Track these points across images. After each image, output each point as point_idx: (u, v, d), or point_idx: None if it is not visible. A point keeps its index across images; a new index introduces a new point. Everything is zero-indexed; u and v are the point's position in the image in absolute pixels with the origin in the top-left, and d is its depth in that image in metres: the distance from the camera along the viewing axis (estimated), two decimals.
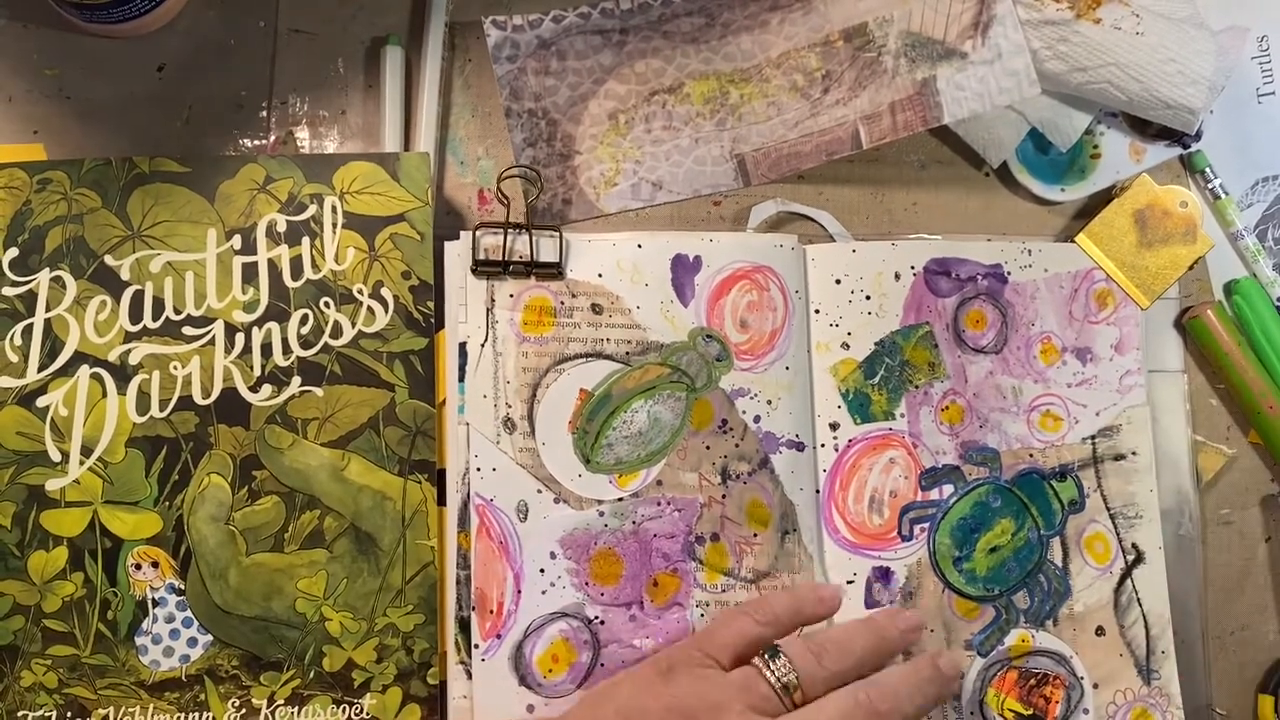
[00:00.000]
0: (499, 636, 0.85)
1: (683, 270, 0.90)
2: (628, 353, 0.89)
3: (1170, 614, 0.92)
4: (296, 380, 0.84)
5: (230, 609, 0.82)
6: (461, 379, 0.88)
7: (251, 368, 0.84)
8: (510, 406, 0.87)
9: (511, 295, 0.89)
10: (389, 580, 0.83)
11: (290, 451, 0.84)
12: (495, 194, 0.91)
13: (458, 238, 0.89)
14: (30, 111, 0.89)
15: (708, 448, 0.89)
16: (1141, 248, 0.95)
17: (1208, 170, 0.98)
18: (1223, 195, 0.98)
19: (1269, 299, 0.97)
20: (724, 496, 0.89)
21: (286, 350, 0.85)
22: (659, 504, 0.88)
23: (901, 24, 0.93)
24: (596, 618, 0.86)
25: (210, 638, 0.82)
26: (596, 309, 0.89)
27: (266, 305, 0.85)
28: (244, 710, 0.81)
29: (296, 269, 0.85)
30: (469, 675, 0.85)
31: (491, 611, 0.85)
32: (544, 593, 0.86)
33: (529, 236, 0.89)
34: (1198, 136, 0.97)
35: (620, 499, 0.88)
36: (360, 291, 0.85)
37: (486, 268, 0.88)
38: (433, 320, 0.86)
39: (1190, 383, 0.97)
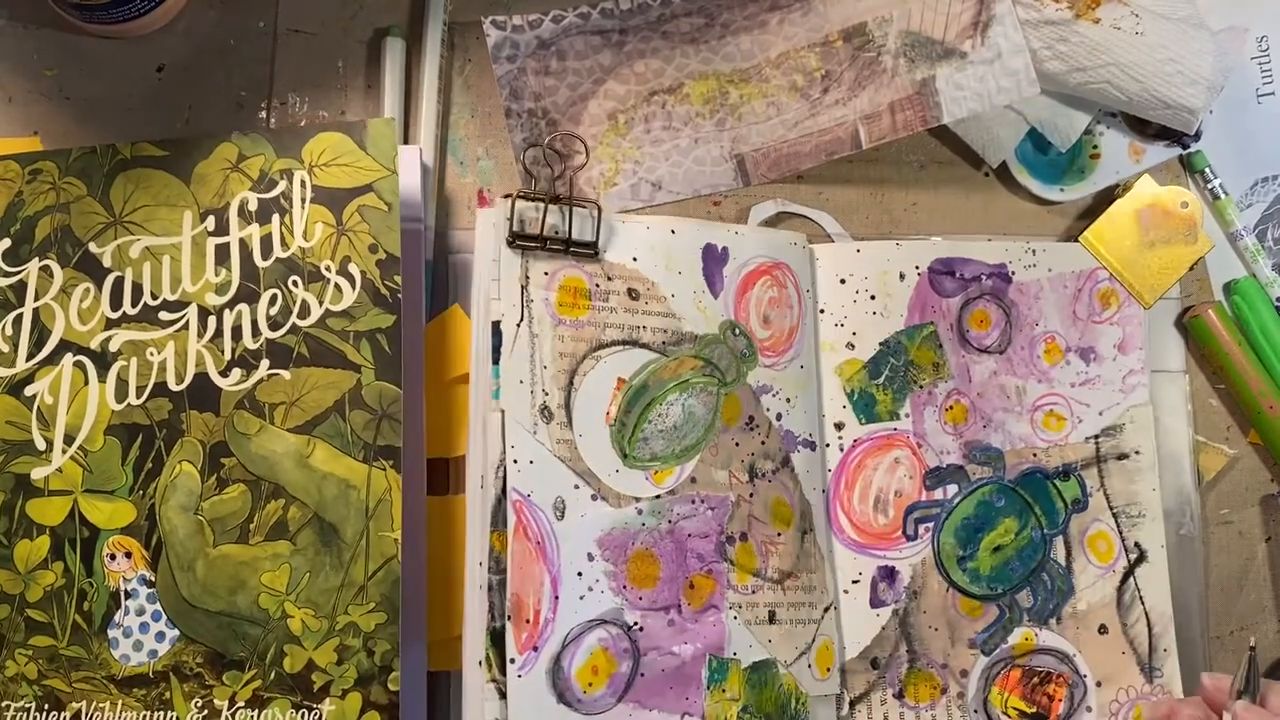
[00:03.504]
0: (536, 649, 0.74)
1: (712, 260, 0.83)
2: (664, 342, 0.80)
3: (1172, 613, 0.86)
4: (265, 363, 0.77)
5: (197, 603, 0.74)
6: (495, 361, 0.77)
7: (222, 351, 0.77)
8: (547, 394, 0.77)
9: (546, 273, 0.79)
10: (351, 575, 0.75)
11: (257, 438, 0.76)
12: (520, 167, 0.83)
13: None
14: (30, 111, 0.83)
15: (737, 444, 0.81)
16: (1143, 247, 0.88)
17: (1207, 170, 0.92)
18: (1222, 195, 0.92)
19: (1269, 299, 0.91)
20: (751, 495, 0.81)
21: (256, 332, 0.77)
22: (693, 502, 0.79)
23: (901, 24, 0.87)
24: (635, 624, 0.77)
25: (177, 632, 0.74)
26: (633, 294, 0.80)
27: (237, 287, 0.78)
28: (206, 711, 0.73)
29: (266, 248, 0.78)
30: (502, 695, 0.73)
31: (528, 620, 0.74)
32: (582, 598, 0.76)
33: (566, 212, 0.79)
34: (1197, 136, 0.91)
35: (657, 496, 0.79)
36: (328, 268, 0.78)
37: (524, 241, 0.79)
38: (400, 296, 0.77)
39: (1191, 383, 0.90)
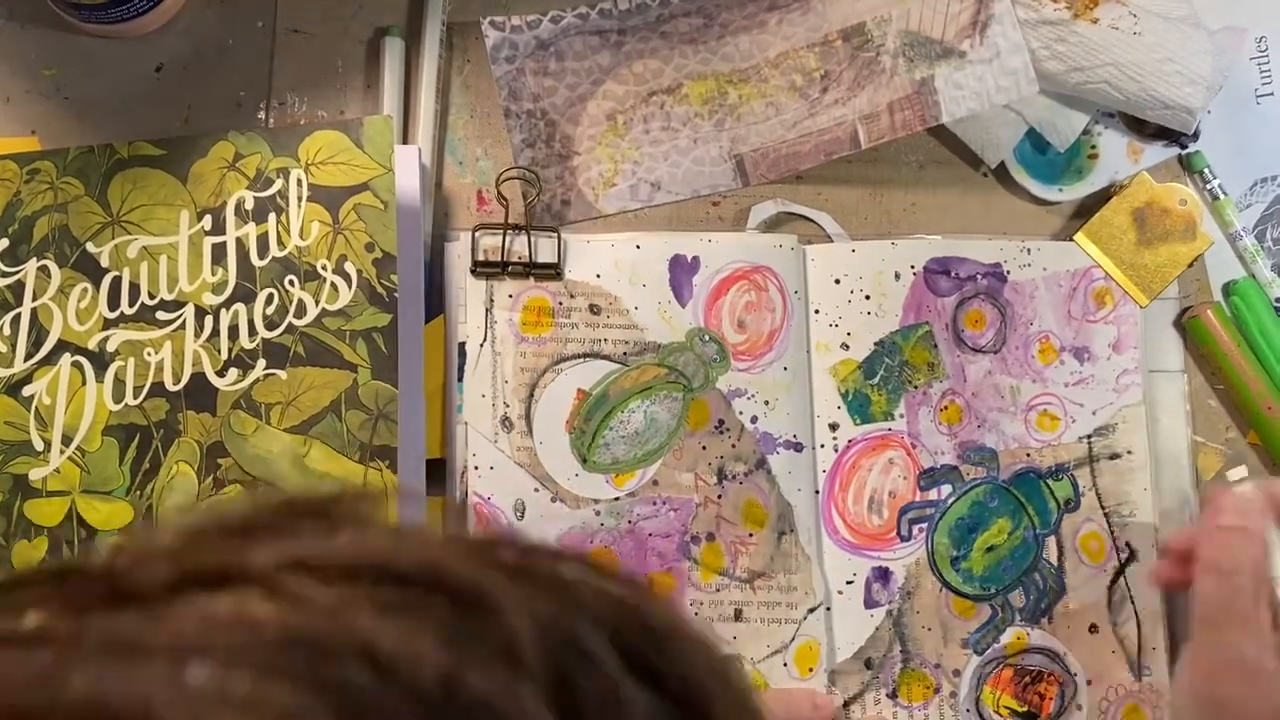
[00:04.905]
0: None
1: (681, 271, 0.82)
2: (625, 353, 0.81)
3: (1166, 611, 0.84)
4: (261, 363, 0.76)
5: None
6: (460, 378, 0.80)
7: (219, 351, 0.76)
8: (508, 406, 0.80)
9: (510, 296, 0.81)
10: None
11: (254, 438, 0.75)
12: (494, 195, 0.83)
13: (456, 239, 0.82)
14: (29, 111, 0.82)
15: (704, 448, 0.81)
16: (1140, 245, 0.86)
17: (1206, 171, 0.90)
18: (1221, 196, 0.90)
19: (1267, 300, 0.89)
20: (720, 497, 0.81)
21: (252, 332, 0.76)
22: (655, 503, 0.80)
23: (900, 23, 0.85)
24: None
25: None
26: (594, 309, 0.81)
27: (234, 286, 0.76)
28: None
29: (263, 247, 0.77)
30: None
31: None
32: None
33: (528, 238, 0.81)
34: (1195, 137, 0.89)
35: (616, 498, 0.80)
36: (324, 267, 0.76)
37: (485, 269, 0.81)
38: (396, 295, 0.76)
39: (1190, 383, 0.88)
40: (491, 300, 0.81)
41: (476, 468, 0.79)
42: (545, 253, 0.81)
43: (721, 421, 0.81)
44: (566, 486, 0.80)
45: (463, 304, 0.81)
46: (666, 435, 0.81)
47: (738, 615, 0.80)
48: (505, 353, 0.80)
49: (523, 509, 0.79)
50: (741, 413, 0.82)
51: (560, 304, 0.81)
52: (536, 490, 0.79)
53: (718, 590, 0.79)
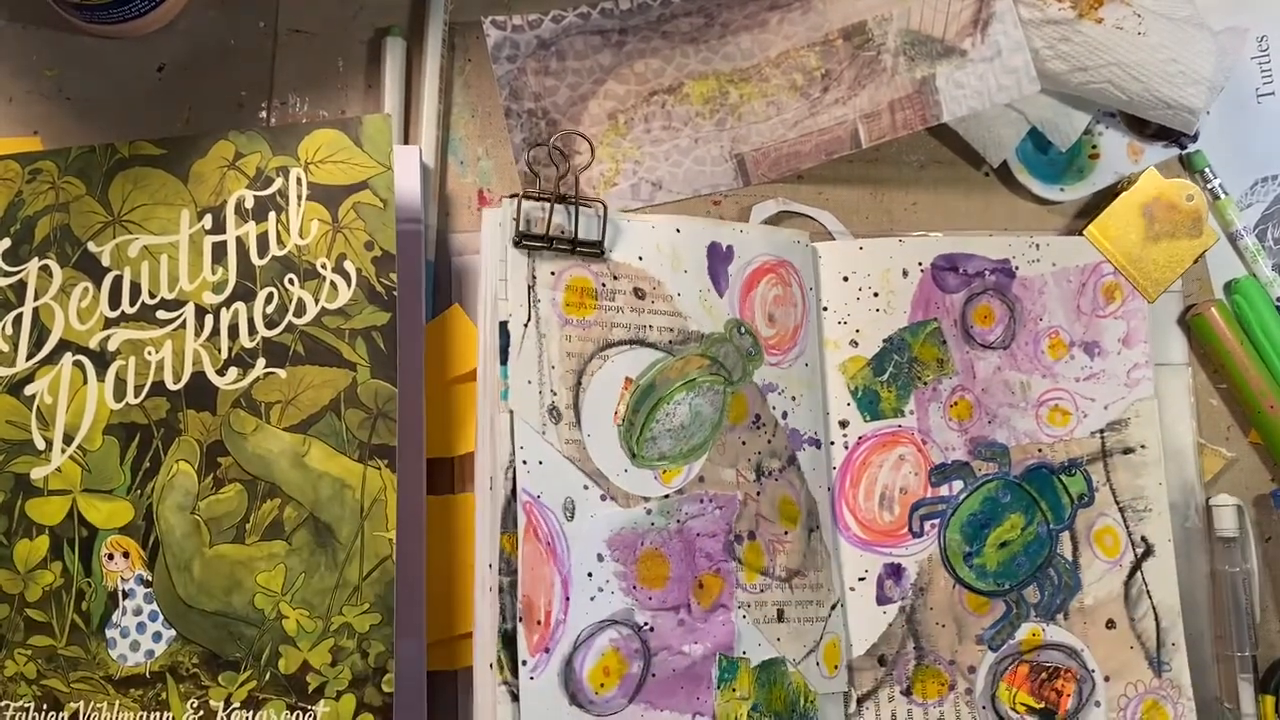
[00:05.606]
0: (547, 650, 0.71)
1: (717, 259, 0.80)
2: (670, 341, 0.77)
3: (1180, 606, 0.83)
4: (261, 362, 0.74)
5: (193, 603, 0.71)
6: (504, 361, 0.74)
7: (219, 350, 0.74)
8: (555, 394, 0.75)
9: (552, 273, 0.76)
10: (345, 576, 0.71)
11: (254, 437, 0.73)
12: (524, 166, 0.80)
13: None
14: (30, 112, 0.81)
15: (743, 443, 0.78)
16: (1148, 241, 0.86)
17: (1207, 170, 0.90)
18: (1222, 195, 0.90)
19: (1269, 299, 0.88)
20: (758, 494, 0.78)
21: (252, 331, 0.74)
22: (701, 501, 0.77)
23: (900, 22, 0.84)
24: (646, 624, 0.74)
25: (174, 632, 0.71)
26: (639, 294, 0.77)
27: (234, 285, 0.75)
28: (202, 712, 0.70)
29: (263, 246, 0.75)
30: (514, 697, 0.71)
31: (539, 622, 0.72)
32: (592, 599, 0.73)
33: (571, 211, 0.76)
34: (1194, 137, 0.89)
35: (666, 496, 0.76)
36: (323, 266, 0.75)
37: (530, 241, 0.76)
38: (395, 294, 0.74)
39: (1194, 379, 0.88)
40: (534, 277, 0.76)
41: (525, 462, 0.73)
42: (586, 229, 0.77)
43: (758, 416, 0.79)
44: (617, 483, 0.75)
45: (502, 278, 0.75)
46: (710, 429, 0.77)
47: (780, 615, 0.77)
48: (550, 335, 0.75)
49: (572, 509, 0.74)
50: (775, 408, 0.79)
51: (603, 285, 0.77)
52: (586, 487, 0.74)
53: (761, 591, 0.76)
